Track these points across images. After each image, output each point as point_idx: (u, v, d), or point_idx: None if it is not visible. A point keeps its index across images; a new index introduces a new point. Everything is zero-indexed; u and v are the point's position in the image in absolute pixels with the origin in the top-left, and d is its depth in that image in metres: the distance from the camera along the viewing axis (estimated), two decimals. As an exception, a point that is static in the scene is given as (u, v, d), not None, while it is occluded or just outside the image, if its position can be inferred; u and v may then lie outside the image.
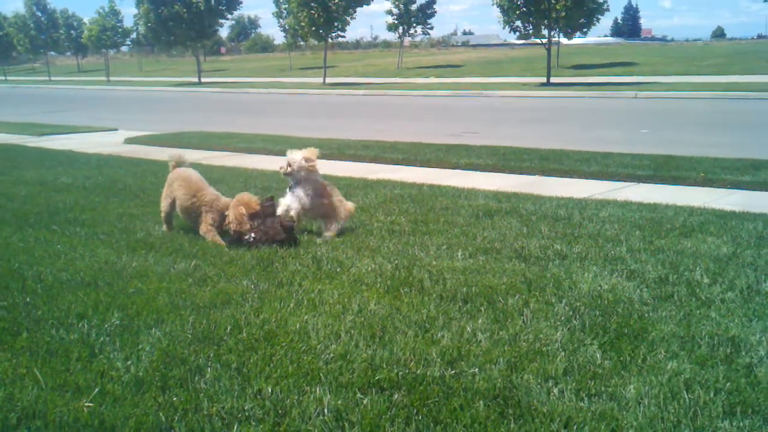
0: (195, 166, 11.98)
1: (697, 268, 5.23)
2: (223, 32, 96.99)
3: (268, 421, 3.04)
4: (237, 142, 15.60)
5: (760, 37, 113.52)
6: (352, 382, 3.38)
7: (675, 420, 2.98)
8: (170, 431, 3.02)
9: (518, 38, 46.27)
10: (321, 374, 3.48)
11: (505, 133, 17.20)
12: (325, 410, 3.11)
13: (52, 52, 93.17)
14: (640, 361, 3.60)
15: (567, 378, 3.41)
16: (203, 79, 56.68)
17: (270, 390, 3.33)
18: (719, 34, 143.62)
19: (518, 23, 41.53)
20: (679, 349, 3.75)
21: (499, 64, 59.00)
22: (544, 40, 41.80)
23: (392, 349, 3.78)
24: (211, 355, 3.76)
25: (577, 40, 57.65)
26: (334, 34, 51.47)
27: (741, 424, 2.95)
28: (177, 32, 55.13)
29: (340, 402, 3.18)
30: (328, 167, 11.49)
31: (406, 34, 62.93)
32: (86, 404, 3.23)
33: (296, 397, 3.25)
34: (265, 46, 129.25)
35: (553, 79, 40.25)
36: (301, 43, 65.78)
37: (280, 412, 3.13)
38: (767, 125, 18.44)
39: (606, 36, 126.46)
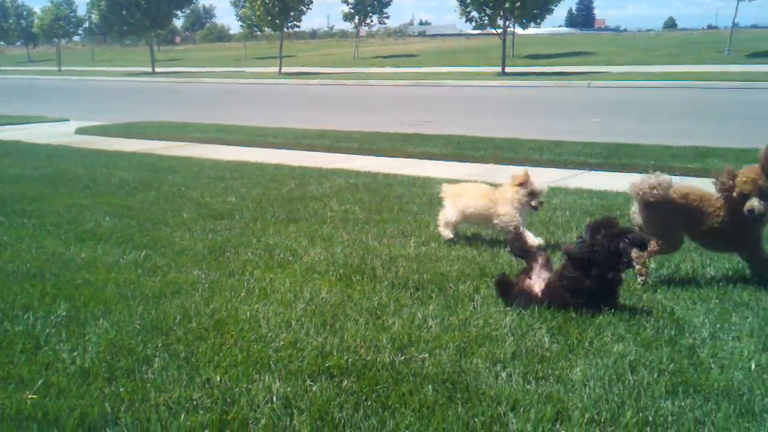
0: (147, 156, 11.90)
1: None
2: (178, 21, 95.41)
3: (216, 410, 3.02)
4: (191, 131, 15.42)
5: (710, 27, 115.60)
6: (301, 370, 3.37)
7: (619, 401, 3.03)
8: (116, 422, 2.98)
9: (474, 28, 46.54)
10: (271, 362, 3.46)
11: (461, 122, 17.27)
12: (274, 398, 3.10)
13: (2, 42, 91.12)
14: (587, 344, 3.66)
15: (515, 362, 3.44)
16: (157, 69, 55.84)
17: (219, 379, 3.31)
18: (671, 24, 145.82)
19: (474, 13, 41.80)
20: (626, 332, 3.81)
21: (456, 54, 59.16)
22: (500, 30, 42.11)
23: (343, 336, 3.78)
24: (160, 345, 3.72)
25: (531, 30, 57.99)
26: (289, 24, 51.15)
27: (683, 403, 3.01)
28: (131, 21, 54.25)
29: (289, 389, 3.17)
30: (282, 157, 11.47)
31: (363, 24, 62.74)
32: (30, 396, 3.17)
33: (245, 386, 3.23)
34: (221, 35, 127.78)
35: (508, 69, 40.51)
36: (257, 32, 65.13)
37: (228, 400, 3.11)
38: (715, 114, 18.78)
39: (560, 26, 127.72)
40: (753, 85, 27.19)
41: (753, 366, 3.36)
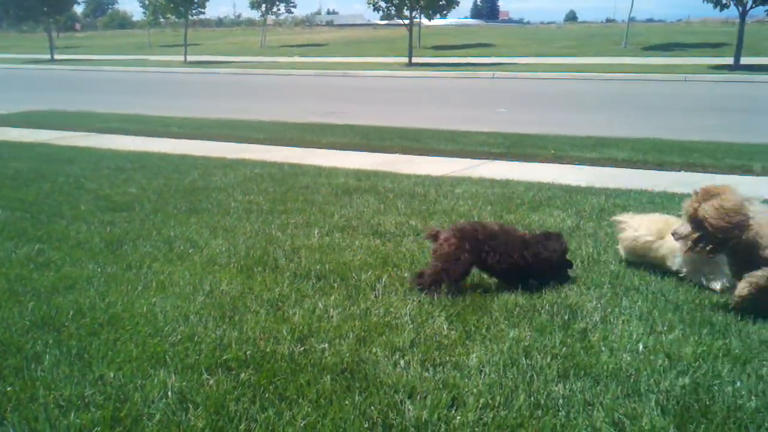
0: (44, 146, 11.47)
1: (543, 241, 5.44)
2: (78, 7, 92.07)
3: (108, 407, 2.94)
4: (92, 121, 14.96)
5: (608, 21, 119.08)
6: (198, 363, 3.32)
7: (513, 385, 3.10)
8: (2, 422, 2.86)
9: (381, 18, 46.72)
10: (167, 357, 3.39)
11: (369, 112, 17.31)
12: (169, 393, 3.04)
13: None
14: (484, 330, 3.72)
15: (414, 349, 3.48)
16: (57, 57, 53.79)
17: (112, 375, 3.22)
18: (572, 17, 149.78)
19: (381, 3, 41.97)
20: (521, 317, 3.90)
21: (363, 44, 59.18)
22: (406, 21, 42.40)
23: (242, 328, 3.74)
24: (51, 341, 3.59)
25: (438, 22, 58.62)
26: (194, 11, 50.12)
27: (573, 386, 3.11)
28: (28, 6, 52.03)
29: (184, 384, 3.12)
30: (186, 147, 11.24)
31: (270, 13, 62.01)
32: None
33: (140, 381, 3.16)
34: (123, 22, 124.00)
35: (414, 60, 40.87)
36: (161, 20, 63.52)
37: (121, 397, 3.03)
38: (613, 105, 19.43)
39: (466, 18, 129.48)
40: (647, 77, 28.30)
41: (641, 348, 3.49)
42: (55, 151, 10.92)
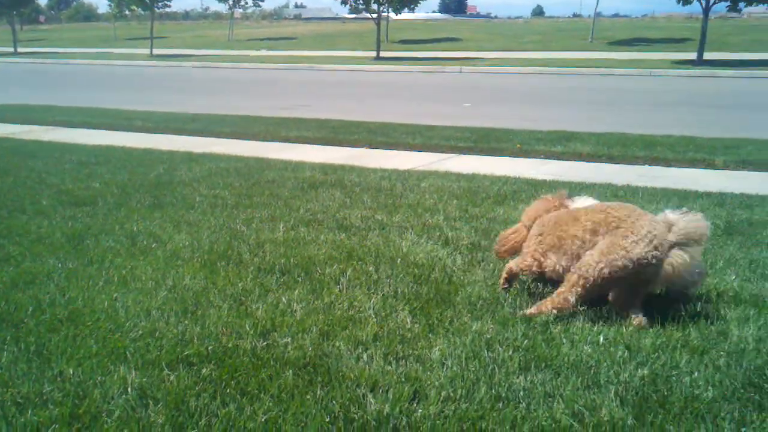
0: (6, 140, 11.28)
1: (507, 234, 5.47)
2: (42, 0, 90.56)
3: (67, 404, 2.90)
4: (55, 115, 14.78)
5: (575, 15, 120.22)
6: (159, 359, 3.29)
7: (474, 378, 3.12)
8: (-44, 421, 2.82)
9: (350, 12, 46.64)
10: (127, 352, 3.36)
11: (337, 106, 17.28)
12: (129, 389, 3.01)
13: None
14: (447, 323, 3.74)
15: (377, 343, 3.48)
16: (20, 50, 52.94)
17: (71, 371, 3.18)
18: (539, 12, 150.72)
19: (349, -3, 41.94)
20: (484, 311, 3.92)
21: (332, 37, 58.93)
22: (374, 15, 42.35)
23: (204, 323, 3.71)
24: (8, 338, 3.54)
25: (406, 16, 58.66)
26: (160, 4, 49.58)
27: (534, 378, 3.13)
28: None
29: (145, 379, 3.09)
30: (151, 141, 11.13)
31: (237, 6, 61.45)
32: None
33: (99, 378, 3.12)
34: (88, 15, 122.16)
35: (382, 54, 40.90)
36: (127, 12, 62.69)
37: (80, 393, 3.00)
38: (579, 99, 19.58)
39: (434, 12, 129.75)
40: (613, 72, 28.58)
41: (601, 339, 3.53)
42: (18, 145, 10.75)
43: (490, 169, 8.52)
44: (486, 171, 8.34)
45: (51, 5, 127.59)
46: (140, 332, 3.60)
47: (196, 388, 3.02)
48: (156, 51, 47.60)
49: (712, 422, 2.80)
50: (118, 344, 3.45)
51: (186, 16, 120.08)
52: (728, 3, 31.89)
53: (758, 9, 37.73)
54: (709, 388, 3.06)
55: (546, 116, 14.82)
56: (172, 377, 3.12)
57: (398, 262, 4.81)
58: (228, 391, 3.01)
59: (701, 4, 31.96)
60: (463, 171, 8.37)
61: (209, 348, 3.40)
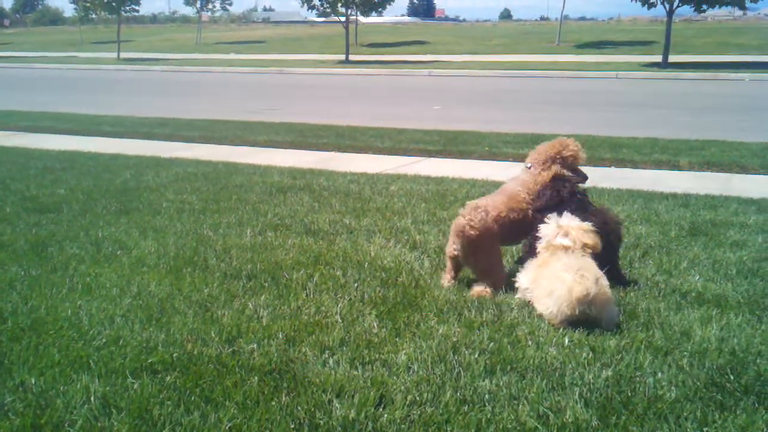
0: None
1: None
2: (6, 3, 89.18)
3: (28, 414, 2.86)
4: (19, 120, 14.59)
5: (542, 18, 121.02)
6: (123, 367, 3.25)
7: (440, 382, 3.13)
8: None
9: (318, 16, 46.59)
10: (90, 361, 3.31)
11: (306, 110, 17.25)
12: (92, 398, 2.97)
13: None
14: (414, 327, 3.74)
15: (343, 348, 3.47)
16: (-17, 53, 52.21)
17: (33, 381, 3.13)
18: (506, 15, 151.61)
19: (316, 1, 41.88)
20: (451, 314, 3.93)
21: (300, 41, 58.85)
22: (343, 19, 42.36)
23: (169, 330, 3.68)
24: (-31, 348, 3.48)
25: (374, 19, 58.77)
26: (127, 7, 49.15)
27: (500, 381, 3.14)
28: (-49, 2, 50.42)
29: (108, 388, 3.05)
30: (118, 146, 11.03)
31: (205, 9, 61.12)
32: None
33: (62, 387, 3.08)
34: (54, 18, 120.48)
35: (351, 57, 40.97)
36: (93, 16, 62.04)
37: (42, 403, 2.96)
38: (547, 101, 19.72)
39: (403, 15, 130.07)
40: (579, 74, 28.87)
41: (566, 341, 3.55)
42: (-21, 151, 10.59)
43: (459, 172, 8.55)
44: (455, 174, 8.36)
45: (16, 9, 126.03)
46: (104, 340, 3.56)
47: (160, 396, 2.99)
48: (123, 55, 47.23)
49: (674, 422, 2.83)
50: (81, 353, 3.41)
51: (154, 19, 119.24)
52: (692, 6, 32.32)
53: (721, 12, 38.39)
54: (672, 388, 3.09)
55: (514, 119, 14.92)
56: (135, 385, 3.08)
57: (366, 266, 4.81)
58: (192, 398, 2.98)
59: (665, 7, 32.38)
60: (431, 174, 8.40)
61: (174, 355, 3.37)
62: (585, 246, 4.01)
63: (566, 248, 4.00)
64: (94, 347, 3.48)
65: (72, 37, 71.61)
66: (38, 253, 5.17)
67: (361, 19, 50.59)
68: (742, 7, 33.74)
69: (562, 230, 4.07)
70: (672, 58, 32.08)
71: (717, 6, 32.97)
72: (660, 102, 19.07)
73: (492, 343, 3.51)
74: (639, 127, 12.73)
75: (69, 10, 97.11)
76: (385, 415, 2.86)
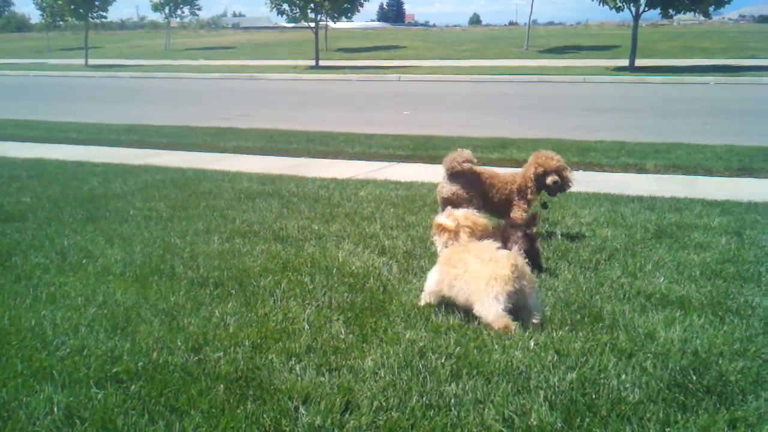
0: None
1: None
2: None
3: (-11, 427, 2.83)
4: (-17, 128, 14.36)
5: (511, 24, 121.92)
6: (87, 377, 3.22)
7: (407, 387, 3.13)
8: None
9: (288, 21, 46.54)
10: (54, 371, 3.28)
11: (276, 115, 17.21)
12: (55, 408, 2.94)
13: None
14: (381, 333, 3.74)
15: (310, 354, 3.47)
16: (-53, 60, 51.39)
17: (-5, 393, 3.09)
18: (475, 20, 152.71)
19: (285, 6, 41.84)
20: (418, 319, 3.94)
21: (270, 47, 58.66)
22: (312, 24, 42.35)
23: (135, 339, 3.65)
24: (-71, 360, 3.43)
25: (345, 25, 58.75)
26: (95, 14, 48.70)
27: (466, 385, 3.16)
28: None
29: (71, 399, 3.02)
30: (85, 154, 10.91)
31: (174, 15, 60.65)
32: None
33: (24, 398, 3.04)
34: (21, 25, 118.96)
35: (321, 63, 41.00)
36: (60, 22, 61.30)
37: (4, 415, 2.92)
38: (516, 106, 19.85)
39: (372, 21, 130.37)
40: (548, 79, 29.10)
41: (532, 345, 3.57)
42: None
43: (429, 177, 8.57)
44: (424, 179, 8.39)
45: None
46: (68, 350, 3.52)
47: (125, 406, 2.97)
48: (91, 61, 46.78)
49: (637, 423, 2.86)
50: (44, 363, 3.37)
51: (122, 25, 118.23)
52: (659, 10, 32.74)
53: (686, 16, 38.92)
54: (636, 389, 3.13)
55: (483, 123, 15.01)
56: (99, 395, 3.05)
57: (334, 272, 4.81)
58: (157, 407, 2.96)
59: (632, 12, 32.78)
60: (401, 179, 8.42)
61: (139, 364, 3.34)
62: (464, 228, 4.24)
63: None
64: (57, 357, 3.44)
65: (39, 44, 70.75)
66: (2, 263, 5.11)
67: (331, 24, 50.57)
68: (706, 15, 34.19)
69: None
70: (639, 62, 32.49)
71: (683, 11, 33.43)
72: (627, 105, 19.27)
73: (458, 348, 3.52)
74: (606, 130, 12.87)
75: (36, 17, 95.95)
76: (352, 422, 2.86)
